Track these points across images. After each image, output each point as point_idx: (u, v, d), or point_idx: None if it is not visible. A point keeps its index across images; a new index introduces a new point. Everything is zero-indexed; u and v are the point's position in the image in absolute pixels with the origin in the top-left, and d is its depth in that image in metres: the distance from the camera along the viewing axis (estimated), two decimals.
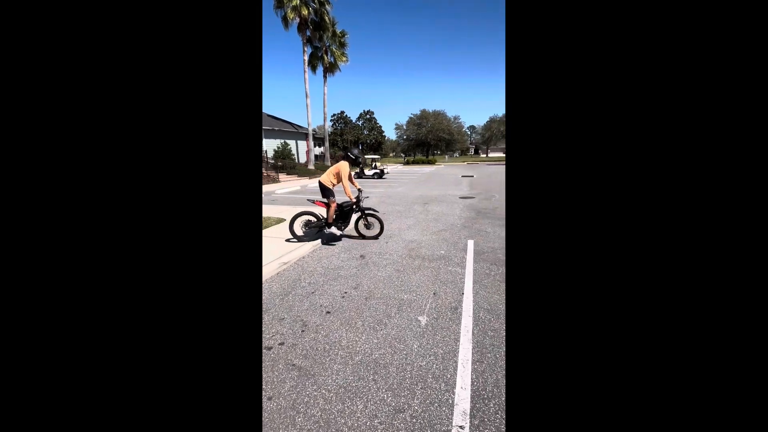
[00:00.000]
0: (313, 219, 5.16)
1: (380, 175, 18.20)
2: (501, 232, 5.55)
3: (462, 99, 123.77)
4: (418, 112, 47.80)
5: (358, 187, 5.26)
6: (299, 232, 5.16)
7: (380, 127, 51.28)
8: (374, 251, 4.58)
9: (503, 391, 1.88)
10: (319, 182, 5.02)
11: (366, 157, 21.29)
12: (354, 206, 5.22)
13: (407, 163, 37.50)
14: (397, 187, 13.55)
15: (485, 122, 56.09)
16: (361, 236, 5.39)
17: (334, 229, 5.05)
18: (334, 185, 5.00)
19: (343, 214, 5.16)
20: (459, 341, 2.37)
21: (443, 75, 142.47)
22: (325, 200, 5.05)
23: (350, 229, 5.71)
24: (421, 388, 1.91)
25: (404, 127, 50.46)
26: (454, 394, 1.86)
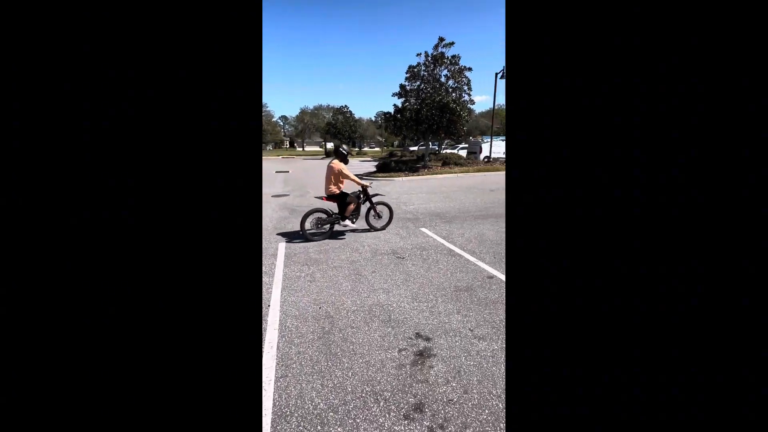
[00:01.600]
0: (323, 215, 5.19)
1: None
2: None
3: (268, 86, 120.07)
4: None
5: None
6: (307, 229, 5.12)
7: None
8: None
9: (307, 400, 1.93)
10: (328, 197, 5.14)
11: None
12: (362, 196, 5.38)
13: None
14: None
15: (297, 113, 56.62)
16: (372, 228, 5.61)
17: (348, 222, 5.23)
18: (341, 188, 5.14)
19: (340, 208, 5.21)
20: (261, 362, 2.26)
21: None
22: (336, 198, 5.15)
23: (360, 222, 5.94)
24: None
25: None
26: None
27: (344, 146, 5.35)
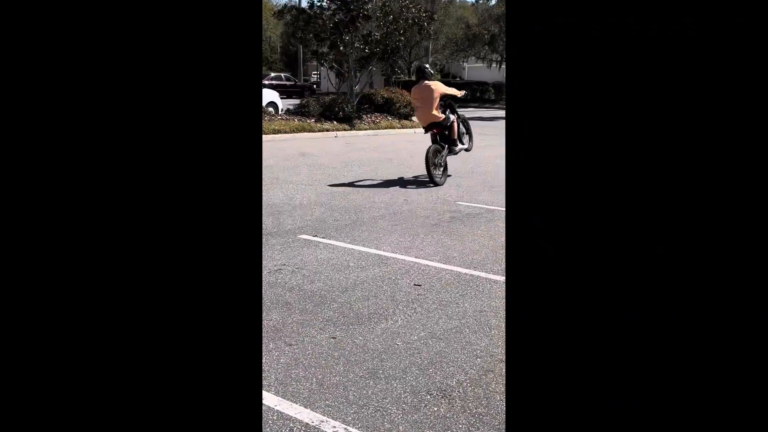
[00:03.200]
0: (439, 149, 5.08)
1: None
2: None
3: None
4: None
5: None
6: (435, 171, 5.01)
7: None
8: None
9: None
10: (430, 125, 4.93)
11: None
12: (450, 119, 5.17)
13: None
14: None
15: None
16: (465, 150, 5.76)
17: (461, 145, 5.28)
18: (441, 111, 4.97)
19: (443, 136, 5.10)
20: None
21: None
22: (440, 125, 5.00)
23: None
24: None
25: None
26: None
27: (426, 65, 5.34)
